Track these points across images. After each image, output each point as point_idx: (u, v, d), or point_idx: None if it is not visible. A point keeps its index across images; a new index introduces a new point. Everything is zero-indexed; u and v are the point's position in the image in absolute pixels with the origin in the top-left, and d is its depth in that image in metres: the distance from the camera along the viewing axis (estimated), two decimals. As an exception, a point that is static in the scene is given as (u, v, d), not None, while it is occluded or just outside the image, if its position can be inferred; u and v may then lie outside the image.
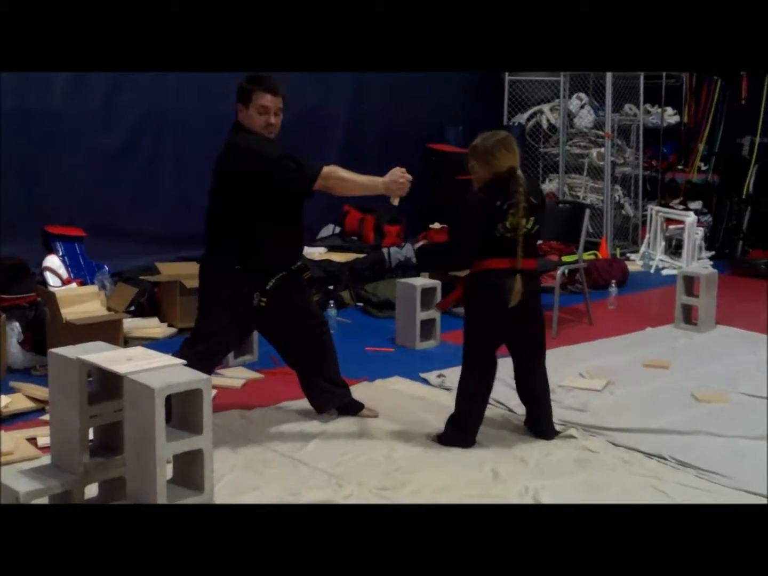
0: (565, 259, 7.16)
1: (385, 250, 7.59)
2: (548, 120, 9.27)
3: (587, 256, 7.78)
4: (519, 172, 3.99)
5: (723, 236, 9.10)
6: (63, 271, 6.10)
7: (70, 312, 5.12)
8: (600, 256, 8.28)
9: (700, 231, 8.71)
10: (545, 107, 9.30)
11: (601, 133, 8.93)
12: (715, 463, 3.92)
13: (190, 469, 3.12)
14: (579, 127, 9.09)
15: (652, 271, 8.40)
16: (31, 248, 6.14)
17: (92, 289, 5.55)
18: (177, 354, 3.60)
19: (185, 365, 3.18)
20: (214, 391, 4.20)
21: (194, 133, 7.07)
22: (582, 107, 9.06)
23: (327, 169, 3.92)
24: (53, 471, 3.19)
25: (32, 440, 4.04)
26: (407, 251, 7.60)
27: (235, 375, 5.08)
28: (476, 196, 4.04)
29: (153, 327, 5.86)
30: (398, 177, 3.97)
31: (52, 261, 6.14)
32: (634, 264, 8.54)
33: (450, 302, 4.64)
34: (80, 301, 5.27)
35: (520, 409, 4.38)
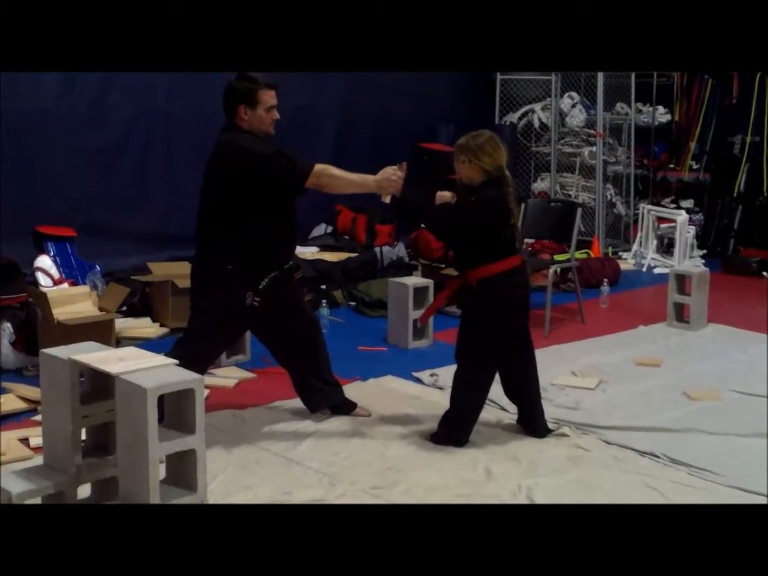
0: (557, 257, 7.16)
1: (377, 249, 7.59)
2: (540, 119, 9.27)
3: (579, 254, 7.79)
4: (506, 171, 4.01)
5: (714, 234, 9.12)
6: (54, 272, 6.09)
7: (61, 312, 5.11)
8: (592, 255, 8.29)
9: (692, 229, 8.73)
10: (537, 106, 9.31)
11: (592, 131, 8.94)
12: (707, 461, 3.93)
13: (182, 468, 3.12)
14: (570, 126, 9.10)
15: (644, 269, 8.42)
16: (22, 249, 6.12)
17: (84, 289, 5.54)
18: (170, 354, 3.60)
19: (178, 365, 3.17)
20: (206, 391, 4.19)
21: (185, 132, 7.06)
22: (573, 106, 9.07)
23: (319, 167, 3.92)
24: (46, 471, 3.19)
25: (24, 441, 4.03)
26: (399, 250, 7.61)
27: (227, 375, 5.08)
28: (492, 196, 3.96)
29: (145, 327, 5.85)
30: (390, 174, 3.97)
31: (44, 261, 6.13)
32: (626, 262, 8.56)
33: (432, 312, 4.60)
34: (72, 301, 5.26)
35: (513, 408, 4.38)
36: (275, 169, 3.90)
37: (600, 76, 8.77)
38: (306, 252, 7.37)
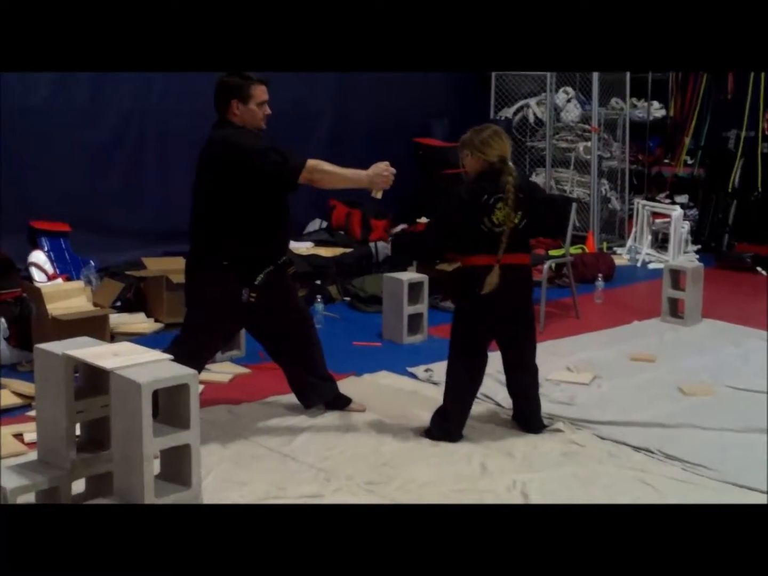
0: (551, 253, 7.17)
1: (372, 244, 7.59)
2: (535, 114, 9.27)
3: (574, 250, 7.79)
4: (510, 163, 4.00)
5: (709, 230, 9.12)
6: (49, 267, 6.07)
7: (56, 307, 5.10)
8: (587, 250, 8.29)
9: (686, 225, 8.73)
10: (532, 101, 9.30)
11: (587, 127, 8.94)
12: (701, 456, 3.93)
13: (177, 464, 3.11)
14: (565, 121, 9.09)
15: (638, 264, 8.42)
16: (16, 244, 6.11)
17: (78, 284, 5.53)
18: (168, 351, 3.59)
19: (173, 361, 3.17)
20: (201, 387, 4.19)
21: (179, 128, 7.05)
22: (568, 101, 9.07)
23: (311, 163, 3.92)
24: (40, 467, 3.18)
25: (19, 436, 4.03)
26: (394, 246, 7.59)
27: (222, 370, 5.07)
28: (460, 188, 4.03)
29: (139, 322, 5.84)
30: (382, 170, 3.97)
31: (38, 256, 6.12)
32: (621, 258, 8.56)
33: None
34: (66, 296, 5.25)
35: (508, 403, 4.39)
36: (268, 165, 3.90)
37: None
38: (301, 247, 7.36)
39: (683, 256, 8.31)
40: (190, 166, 4.19)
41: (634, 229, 8.84)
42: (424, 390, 4.79)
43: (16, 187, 6.31)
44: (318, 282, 6.71)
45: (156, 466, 3.07)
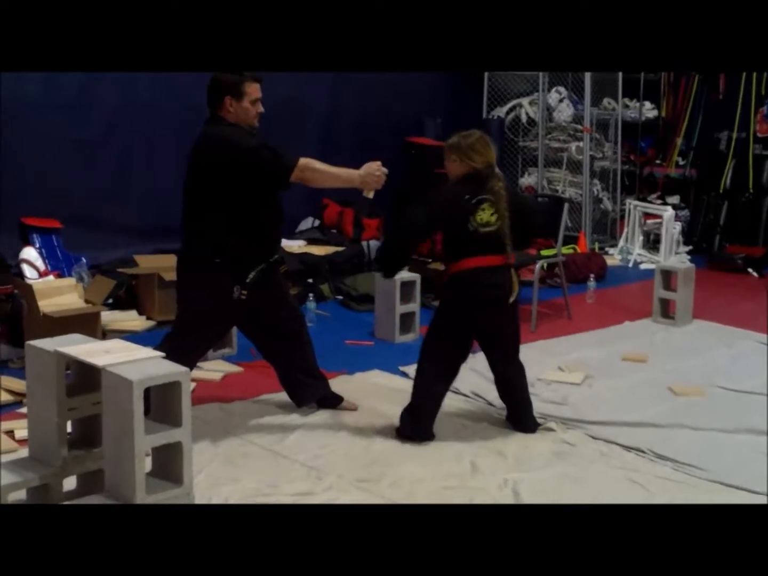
0: (543, 253, 7.18)
1: (364, 243, 7.59)
2: (527, 114, 9.27)
3: (566, 250, 7.81)
4: (497, 168, 4.03)
5: (700, 231, 9.14)
6: (40, 264, 6.06)
7: (47, 304, 5.09)
8: (578, 250, 8.31)
9: (678, 225, 8.75)
10: (524, 101, 9.31)
11: (579, 127, 8.96)
12: (692, 456, 3.95)
13: (169, 461, 3.11)
14: (558, 121, 9.10)
15: (630, 265, 8.44)
16: (7, 240, 6.09)
17: (70, 281, 5.52)
18: (159, 349, 3.58)
19: (165, 358, 3.16)
20: (193, 384, 4.19)
21: (170, 124, 7.02)
22: (561, 101, 9.08)
23: (303, 161, 3.92)
24: (31, 464, 3.18)
25: (10, 433, 4.02)
26: (387, 244, 7.59)
27: (214, 368, 5.07)
28: (439, 192, 4.06)
29: (131, 320, 5.83)
30: (374, 170, 3.98)
31: (29, 253, 6.10)
32: (613, 258, 8.58)
33: None
34: (58, 293, 5.24)
35: (499, 402, 4.39)
36: (260, 162, 3.89)
37: (587, 71, 8.78)
38: (293, 245, 7.36)
39: (675, 257, 8.33)
40: (181, 162, 4.18)
41: (625, 230, 8.86)
42: (415, 389, 4.79)
43: (7, 183, 6.29)
44: (310, 280, 6.70)
45: (147, 464, 3.07)
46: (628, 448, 4.07)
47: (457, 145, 4.02)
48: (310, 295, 6.25)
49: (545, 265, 6.74)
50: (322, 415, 4.39)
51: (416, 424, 4.11)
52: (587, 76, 8.75)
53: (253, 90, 4.00)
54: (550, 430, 4.24)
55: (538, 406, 4.42)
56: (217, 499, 3.48)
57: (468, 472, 3.81)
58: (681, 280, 6.19)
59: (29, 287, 5.18)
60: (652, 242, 8.81)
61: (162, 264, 5.93)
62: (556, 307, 6.61)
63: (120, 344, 3.28)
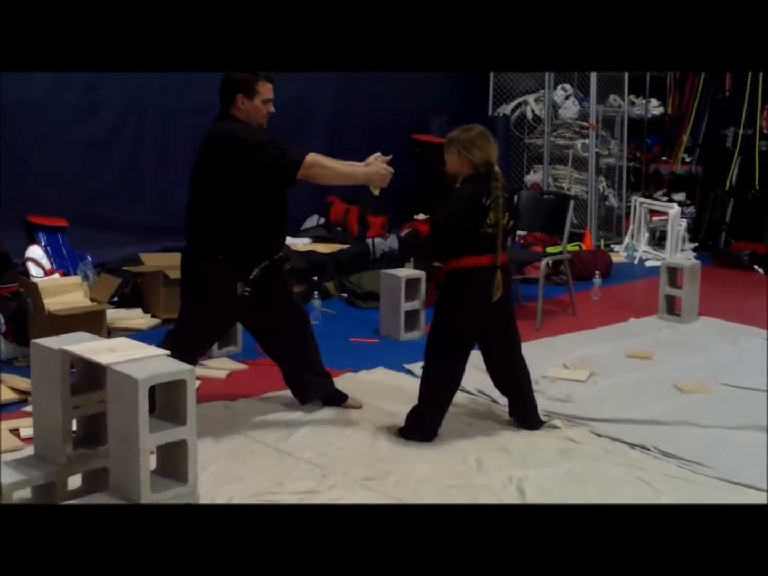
0: (549, 250, 7.17)
1: (369, 241, 7.58)
2: (533, 111, 9.26)
3: (571, 247, 7.80)
4: (496, 166, 4.00)
5: (706, 228, 9.13)
6: (45, 262, 6.07)
7: (52, 303, 5.09)
8: (584, 248, 8.30)
9: (684, 222, 8.74)
10: (530, 98, 9.30)
11: (585, 124, 8.94)
12: (698, 453, 3.94)
13: (173, 459, 3.11)
14: (564, 118, 9.09)
15: (635, 262, 8.43)
16: (13, 239, 6.09)
17: (75, 279, 5.52)
18: (161, 345, 3.58)
19: (169, 356, 3.17)
20: (197, 382, 4.19)
21: (177, 122, 7.03)
22: (567, 98, 9.07)
23: (310, 158, 3.92)
24: (36, 462, 3.18)
25: (15, 431, 4.02)
26: (392, 242, 7.60)
27: (219, 366, 5.07)
28: (463, 191, 4.02)
29: (136, 318, 5.84)
30: (381, 168, 3.98)
31: (35, 251, 6.11)
32: (618, 255, 8.57)
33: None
34: (63, 291, 5.24)
35: (504, 400, 4.39)
36: (267, 159, 3.89)
37: (593, 68, 8.76)
38: (298, 243, 7.36)
39: (680, 254, 8.32)
40: (187, 160, 4.19)
41: (631, 227, 8.85)
42: (420, 386, 4.79)
43: (14, 181, 6.30)
44: (315, 278, 6.70)
45: (152, 462, 3.07)
46: (633, 446, 4.06)
47: (457, 139, 4.00)
48: (315, 292, 6.26)
49: (551, 262, 6.74)
50: (326, 413, 4.39)
51: (422, 428, 4.09)
52: (593, 73, 8.74)
53: (266, 90, 4.00)
54: (555, 427, 4.23)
55: (543, 404, 4.42)
56: (221, 498, 3.48)
57: (473, 469, 3.80)
58: (687, 277, 6.18)
59: (35, 285, 5.19)
60: (658, 239, 8.81)
61: (167, 262, 5.93)
62: (561, 304, 6.61)
63: (125, 342, 3.28)
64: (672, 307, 6.28)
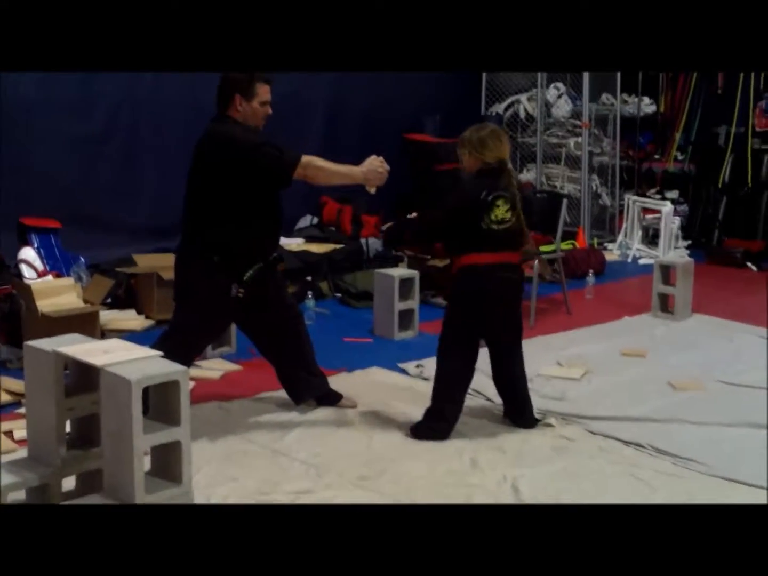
0: (542, 248, 7.17)
1: (363, 240, 7.59)
2: (526, 110, 9.27)
3: (565, 245, 7.80)
4: (509, 165, 4.02)
5: (699, 225, 9.15)
6: (38, 263, 6.06)
7: (46, 304, 5.08)
8: (577, 246, 8.31)
9: (677, 220, 8.75)
10: (523, 97, 9.31)
11: (578, 122, 8.95)
12: (692, 450, 3.95)
13: (168, 460, 3.11)
14: (556, 116, 9.10)
15: (629, 260, 8.44)
16: (6, 240, 6.09)
17: (68, 281, 5.51)
18: (155, 346, 3.58)
19: (163, 357, 3.16)
20: (191, 383, 4.19)
21: (171, 123, 7.03)
22: (559, 97, 9.07)
23: (306, 158, 3.92)
24: (30, 464, 3.17)
25: (8, 433, 4.01)
26: (385, 242, 7.60)
27: (213, 366, 5.07)
28: (464, 185, 4.06)
29: (130, 319, 5.83)
30: (377, 167, 3.99)
31: (28, 253, 6.10)
32: (612, 253, 8.58)
33: None
34: (56, 293, 5.23)
35: (499, 399, 4.38)
36: (262, 159, 3.89)
37: (585, 66, 8.77)
38: (292, 243, 7.36)
39: (673, 252, 8.33)
40: (181, 161, 4.18)
41: (624, 225, 8.86)
42: (415, 386, 4.79)
43: (6, 182, 6.28)
44: (309, 278, 6.71)
45: (146, 463, 3.07)
46: (627, 443, 4.07)
47: (468, 140, 4.03)
48: (309, 292, 6.25)
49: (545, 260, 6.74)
50: (321, 413, 4.39)
51: (437, 427, 4.09)
52: (585, 72, 8.74)
53: (264, 92, 3.99)
54: (550, 425, 4.24)
55: (537, 402, 4.42)
56: (216, 498, 3.47)
57: (468, 468, 3.80)
58: (680, 274, 6.19)
59: (28, 287, 5.18)
60: (651, 237, 8.82)
61: (161, 263, 5.92)
62: (555, 302, 6.61)
63: (119, 344, 3.28)
64: (665, 305, 6.29)
